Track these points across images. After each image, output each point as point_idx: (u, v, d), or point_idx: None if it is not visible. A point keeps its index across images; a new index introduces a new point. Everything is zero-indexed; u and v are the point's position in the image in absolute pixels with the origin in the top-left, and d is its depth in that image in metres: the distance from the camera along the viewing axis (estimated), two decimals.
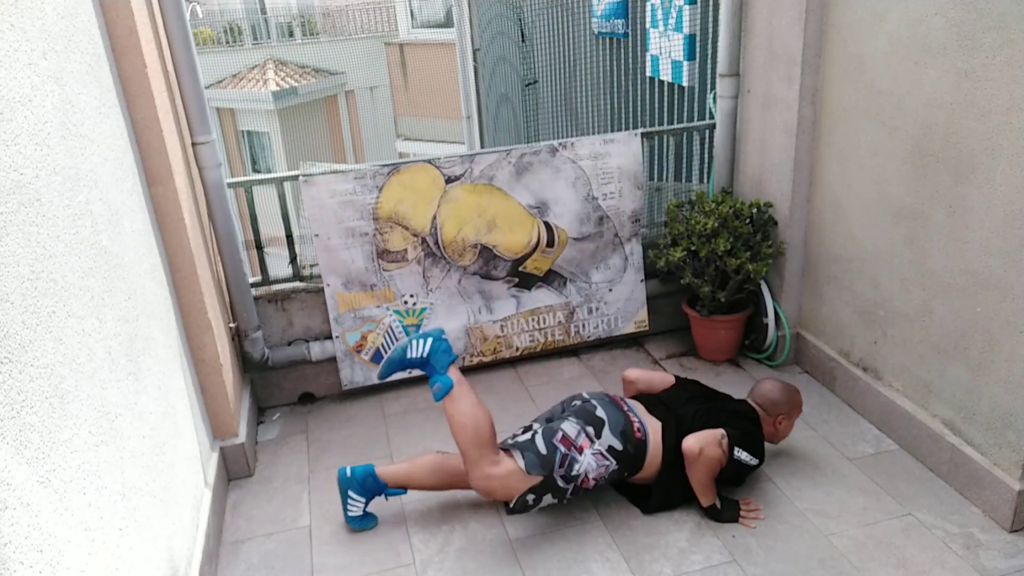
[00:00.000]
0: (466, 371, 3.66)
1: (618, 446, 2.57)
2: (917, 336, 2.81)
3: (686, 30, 4.24)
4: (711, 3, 4.07)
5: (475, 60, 8.01)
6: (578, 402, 2.69)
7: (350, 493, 2.66)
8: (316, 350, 3.45)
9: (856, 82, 2.91)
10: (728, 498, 2.67)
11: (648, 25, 4.76)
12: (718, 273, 3.45)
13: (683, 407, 2.73)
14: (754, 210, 3.41)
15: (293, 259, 3.46)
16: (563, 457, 2.49)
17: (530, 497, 2.48)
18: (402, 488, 2.69)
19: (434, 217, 3.39)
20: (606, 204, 3.57)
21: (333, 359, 3.48)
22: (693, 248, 3.41)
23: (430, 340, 2.55)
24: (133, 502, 1.91)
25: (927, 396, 2.82)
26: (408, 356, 2.54)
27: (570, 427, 2.56)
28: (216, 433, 2.96)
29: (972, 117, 2.43)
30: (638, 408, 2.72)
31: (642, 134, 3.57)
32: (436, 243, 3.42)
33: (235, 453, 2.98)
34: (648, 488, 2.70)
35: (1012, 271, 2.37)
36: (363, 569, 2.55)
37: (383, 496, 2.70)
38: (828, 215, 3.20)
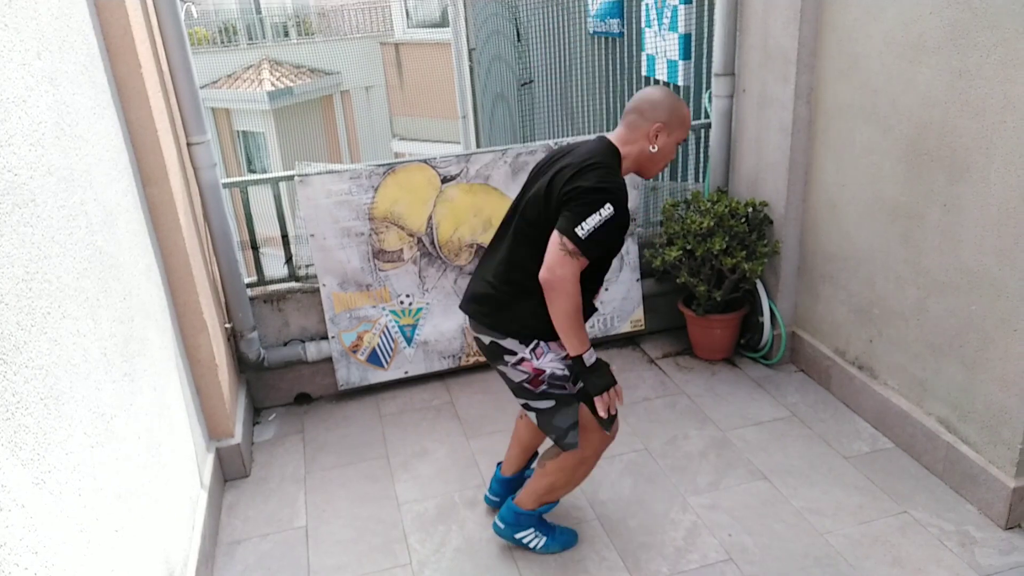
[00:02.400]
0: (462, 372, 3.67)
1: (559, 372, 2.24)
2: (912, 334, 2.82)
3: (681, 29, 4.24)
4: (706, 2, 4.07)
5: (471, 60, 8.00)
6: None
7: (516, 536, 2.52)
8: (312, 350, 3.45)
9: (851, 81, 2.92)
10: (603, 361, 2.19)
11: (643, 24, 4.76)
12: (714, 272, 3.45)
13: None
14: (750, 209, 3.42)
15: (289, 259, 3.46)
16: (535, 379, 2.23)
17: (569, 415, 2.26)
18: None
19: (430, 217, 3.38)
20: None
21: (329, 359, 3.48)
22: (689, 247, 3.41)
23: (516, 536, 2.51)
24: (129, 503, 1.91)
25: (922, 394, 2.83)
26: (548, 542, 2.53)
27: (514, 374, 2.26)
28: (212, 434, 2.95)
29: (966, 116, 2.43)
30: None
31: None
32: (432, 243, 3.42)
33: (231, 454, 2.98)
34: None
35: (1006, 269, 2.38)
36: (360, 569, 2.55)
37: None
38: (823, 214, 3.21)
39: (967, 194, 2.48)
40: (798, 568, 2.43)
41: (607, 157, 2.14)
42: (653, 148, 2.17)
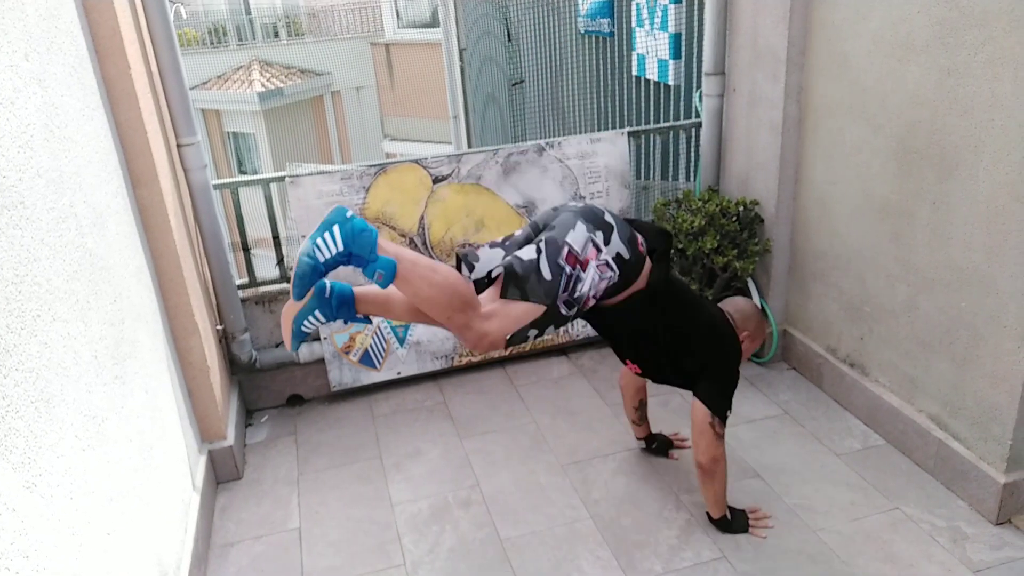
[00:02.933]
0: (455, 372, 3.67)
1: (626, 254, 2.19)
2: (903, 332, 2.83)
3: (671, 29, 4.25)
4: (696, 2, 4.09)
5: (461, 60, 8.00)
6: (578, 204, 2.29)
7: (317, 311, 2.05)
8: (304, 352, 3.44)
9: (840, 80, 2.93)
10: (735, 508, 2.62)
11: (634, 24, 4.77)
12: (705, 271, 3.46)
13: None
14: (740, 208, 3.43)
15: (280, 260, 3.45)
16: (568, 279, 2.09)
17: (531, 332, 2.11)
18: (368, 318, 2.15)
19: (422, 217, 3.38)
20: (594, 203, 3.58)
21: (321, 361, 3.47)
22: (680, 246, 3.42)
23: (336, 227, 1.94)
24: (120, 506, 1.90)
25: (913, 391, 2.84)
26: (322, 259, 1.93)
27: (576, 237, 2.13)
28: (204, 436, 2.94)
29: (955, 114, 2.45)
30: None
31: (629, 133, 3.58)
32: (424, 243, 3.42)
33: (223, 456, 2.97)
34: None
35: (996, 266, 2.39)
36: (353, 571, 2.54)
37: (345, 321, 2.13)
38: (814, 212, 3.22)
39: (956, 192, 2.49)
40: (791, 565, 2.44)
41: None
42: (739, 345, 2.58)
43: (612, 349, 2.69)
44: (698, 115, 3.74)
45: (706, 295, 3.46)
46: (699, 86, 3.70)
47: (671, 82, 4.44)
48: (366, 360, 3.49)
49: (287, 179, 3.21)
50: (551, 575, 2.47)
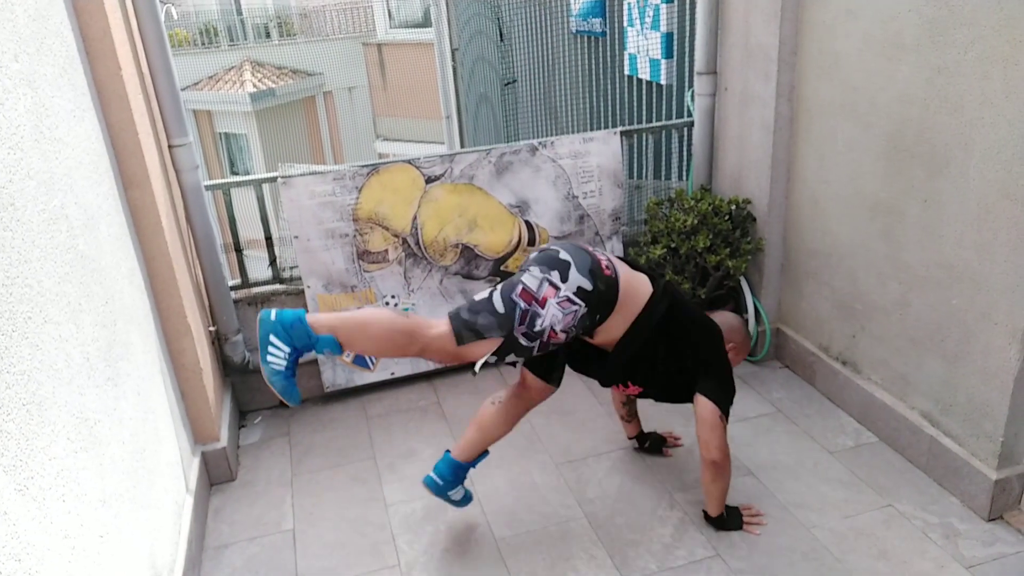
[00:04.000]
0: (448, 372, 3.66)
1: (587, 286, 2.28)
2: (894, 329, 2.85)
3: (663, 28, 4.25)
4: (687, 1, 4.09)
5: (454, 60, 8.00)
6: (538, 252, 2.42)
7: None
8: None
9: (832, 79, 2.94)
10: (730, 506, 2.64)
11: (625, 23, 4.77)
12: (698, 270, 3.47)
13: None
14: (733, 207, 3.44)
15: (272, 261, 3.44)
16: (524, 313, 2.25)
17: (491, 361, 2.29)
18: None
19: (414, 217, 3.38)
20: (586, 203, 3.58)
21: (314, 362, 3.46)
22: (673, 245, 3.43)
23: (271, 336, 2.17)
24: (113, 509, 1.89)
25: (905, 388, 2.85)
26: (283, 367, 2.18)
27: (531, 279, 2.29)
28: (197, 438, 2.94)
29: (945, 112, 2.46)
30: (616, 261, 2.49)
31: (621, 132, 3.59)
32: (417, 243, 3.42)
33: (217, 457, 2.96)
34: (600, 353, 2.52)
35: (986, 264, 2.41)
36: (348, 572, 2.54)
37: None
38: (806, 211, 3.23)
39: (947, 189, 2.50)
40: (784, 563, 2.45)
41: None
42: None
43: (599, 382, 2.70)
44: (690, 114, 3.74)
45: (699, 294, 3.47)
46: (691, 85, 3.71)
47: (663, 81, 4.44)
48: (359, 360, 3.49)
49: (279, 180, 3.20)
50: (546, 575, 2.47)
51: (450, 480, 2.58)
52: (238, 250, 3.41)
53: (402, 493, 2.89)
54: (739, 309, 3.62)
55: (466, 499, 2.66)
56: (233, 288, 3.37)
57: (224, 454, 2.97)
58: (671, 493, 2.79)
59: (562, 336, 2.30)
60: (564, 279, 2.27)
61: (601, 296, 2.31)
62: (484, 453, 2.63)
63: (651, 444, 3.01)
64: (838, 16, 2.85)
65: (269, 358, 2.19)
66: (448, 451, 2.62)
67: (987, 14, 2.25)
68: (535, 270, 2.31)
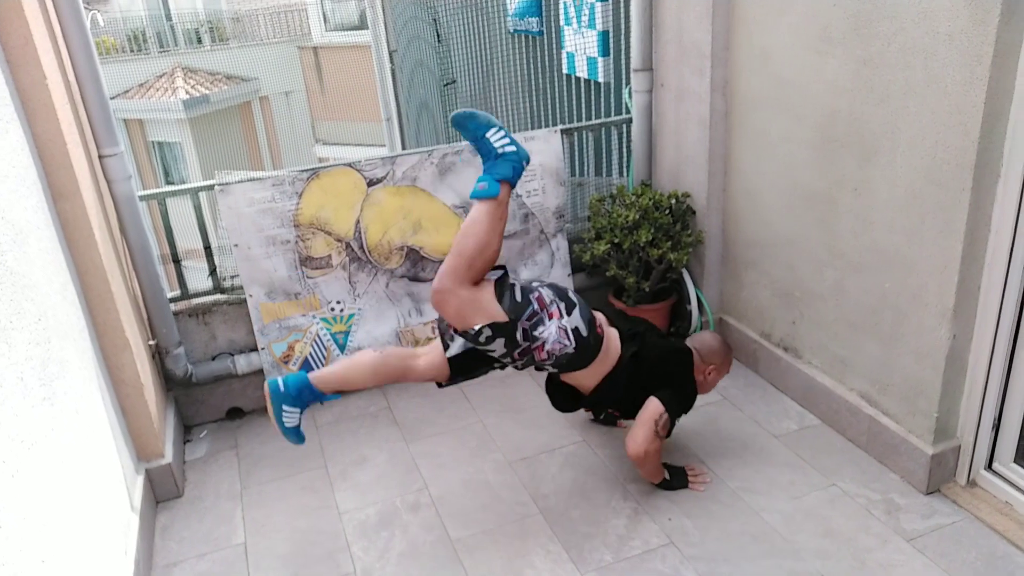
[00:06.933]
0: None
1: (583, 331, 2.49)
2: (832, 314, 2.93)
3: (599, 27, 4.30)
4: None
5: (392, 62, 7.93)
6: (549, 282, 2.63)
7: (284, 406, 2.51)
8: (242, 363, 3.37)
9: (763, 73, 3.01)
10: (674, 466, 2.77)
11: (562, 22, 4.81)
12: (641, 264, 3.52)
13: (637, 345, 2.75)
14: (673, 201, 3.49)
15: (213, 271, 3.37)
16: (533, 313, 2.42)
17: (485, 333, 2.38)
18: (338, 392, 2.58)
19: (357, 221, 3.35)
20: (530, 201, 3.60)
21: (260, 372, 3.40)
22: (616, 241, 3.47)
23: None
24: (54, 532, 1.83)
25: (844, 371, 2.94)
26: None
27: (547, 293, 2.49)
28: (140, 455, 2.86)
29: (872, 103, 2.54)
30: (605, 322, 2.72)
31: (562, 131, 3.61)
32: (361, 247, 3.38)
33: (162, 474, 2.88)
34: (574, 393, 2.74)
35: (915, 247, 2.50)
36: None
37: (320, 402, 2.61)
38: (743, 202, 3.31)
39: (876, 178, 2.59)
40: (736, 546, 2.50)
41: None
42: (706, 378, 2.82)
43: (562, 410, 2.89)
44: (628, 111, 3.79)
45: (643, 287, 3.51)
46: (628, 82, 3.76)
47: (601, 79, 4.49)
48: (306, 368, 3.44)
49: (216, 187, 3.14)
50: (503, 573, 2.48)
51: (292, 394, 2.51)
52: (176, 261, 3.33)
53: (355, 500, 2.86)
54: (682, 301, 3.68)
55: (294, 433, 2.56)
56: (172, 300, 3.29)
57: (169, 470, 2.89)
58: (624, 484, 2.82)
59: (544, 356, 2.46)
60: (569, 313, 2.48)
61: (588, 347, 2.52)
62: (336, 395, 2.60)
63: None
64: (767, 12, 2.92)
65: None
66: (307, 372, 2.60)
67: (907, 7, 2.34)
68: (548, 291, 2.49)
